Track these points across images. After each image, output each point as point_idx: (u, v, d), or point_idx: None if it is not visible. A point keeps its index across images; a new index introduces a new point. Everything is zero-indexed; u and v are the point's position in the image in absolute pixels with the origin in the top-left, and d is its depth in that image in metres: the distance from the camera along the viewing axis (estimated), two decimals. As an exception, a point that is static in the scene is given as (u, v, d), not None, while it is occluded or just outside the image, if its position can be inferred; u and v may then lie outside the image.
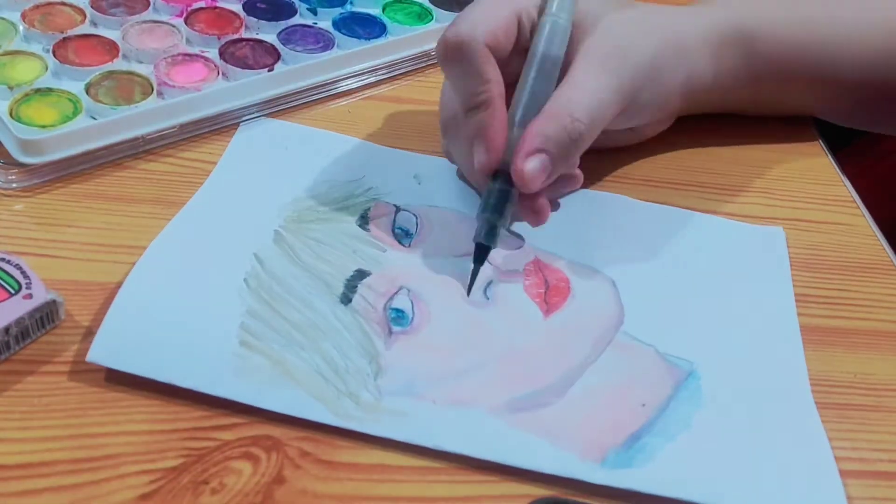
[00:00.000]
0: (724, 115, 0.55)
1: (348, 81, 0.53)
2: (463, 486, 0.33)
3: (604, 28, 0.43)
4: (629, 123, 0.47)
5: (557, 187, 0.43)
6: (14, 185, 0.43)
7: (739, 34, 0.49)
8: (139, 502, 0.31)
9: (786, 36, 0.50)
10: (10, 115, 0.45)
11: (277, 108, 0.51)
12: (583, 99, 0.41)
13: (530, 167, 0.39)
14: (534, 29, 0.42)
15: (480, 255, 0.40)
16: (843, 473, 0.35)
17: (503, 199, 0.40)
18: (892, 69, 0.51)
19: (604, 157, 0.50)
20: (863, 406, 0.38)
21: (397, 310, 0.39)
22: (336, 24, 0.56)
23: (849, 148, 0.70)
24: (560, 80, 0.42)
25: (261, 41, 0.53)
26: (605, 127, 0.42)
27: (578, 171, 0.43)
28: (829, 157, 0.54)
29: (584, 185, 0.48)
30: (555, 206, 0.46)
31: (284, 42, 0.53)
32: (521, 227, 0.44)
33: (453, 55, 0.41)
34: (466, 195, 0.46)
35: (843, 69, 0.51)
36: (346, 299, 0.39)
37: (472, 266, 0.40)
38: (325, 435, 0.34)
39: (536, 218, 0.42)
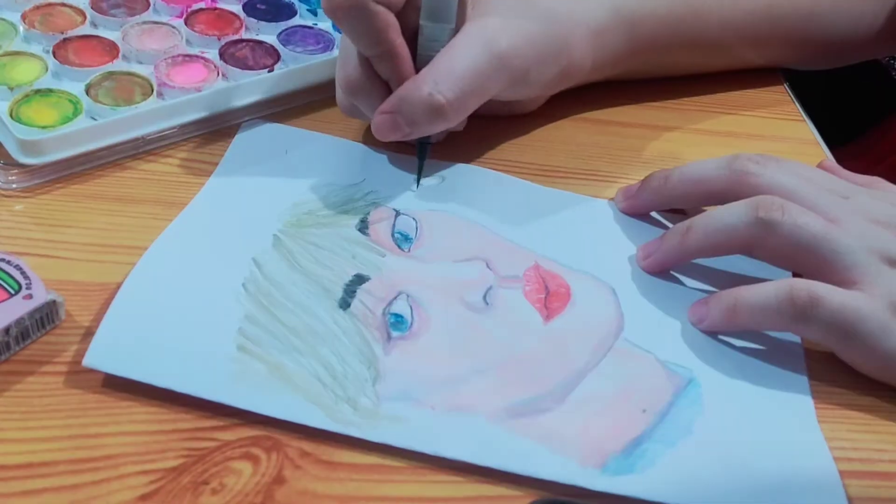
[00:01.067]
0: (716, 113, 0.56)
1: (348, 82, 0.53)
2: (462, 487, 0.33)
3: (494, 3, 0.45)
4: (512, 97, 0.49)
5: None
6: (14, 185, 0.43)
7: (620, 20, 0.50)
8: (139, 502, 0.31)
9: (664, 13, 0.52)
10: (11, 115, 0.45)
11: (277, 108, 0.51)
12: (451, 77, 0.42)
13: (377, 123, 0.44)
14: None
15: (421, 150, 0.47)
16: (844, 473, 0.35)
17: (424, 149, 0.47)
18: (775, 24, 0.55)
19: (610, 168, 0.49)
20: (863, 406, 0.38)
21: (396, 315, 0.39)
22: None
23: (848, 148, 0.70)
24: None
25: (261, 42, 0.53)
26: (481, 103, 0.44)
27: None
28: (829, 157, 0.54)
29: (587, 188, 0.49)
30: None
31: (284, 43, 0.53)
32: (524, 235, 0.44)
33: (345, 16, 0.41)
34: (468, 200, 0.46)
35: (723, 34, 0.55)
36: (344, 304, 0.39)
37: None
38: (325, 435, 0.34)
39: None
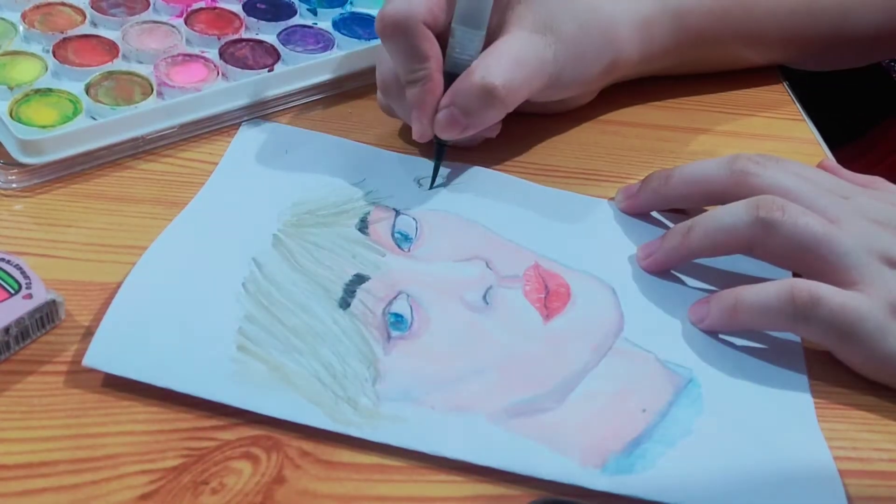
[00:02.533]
0: (716, 113, 0.56)
1: (348, 82, 0.53)
2: (462, 487, 0.33)
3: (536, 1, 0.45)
4: (552, 97, 0.49)
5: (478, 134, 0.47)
6: (14, 185, 0.43)
7: (667, 12, 0.51)
8: (139, 502, 0.31)
9: (711, 4, 0.53)
10: (10, 115, 0.45)
11: (277, 108, 0.51)
12: (500, 64, 0.43)
13: (437, 118, 0.45)
14: None
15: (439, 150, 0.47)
16: (843, 473, 0.35)
17: (441, 151, 0.47)
18: (815, 16, 0.56)
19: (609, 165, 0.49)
20: (863, 406, 0.38)
21: (396, 314, 0.39)
22: (336, 25, 0.56)
23: (848, 148, 0.70)
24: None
25: (261, 41, 0.53)
26: (527, 97, 0.45)
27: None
28: (829, 157, 0.54)
29: (587, 188, 0.49)
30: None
31: (284, 42, 0.53)
32: (524, 235, 0.44)
33: (392, 32, 0.43)
34: (468, 199, 0.46)
35: (765, 27, 0.55)
36: (344, 304, 0.39)
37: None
38: (325, 435, 0.34)
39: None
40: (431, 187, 0.46)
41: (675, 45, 0.52)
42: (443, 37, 0.44)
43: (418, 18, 0.42)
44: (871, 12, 0.57)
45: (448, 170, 0.48)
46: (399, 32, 0.43)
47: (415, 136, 0.46)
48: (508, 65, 0.43)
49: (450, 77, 0.44)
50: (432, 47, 0.43)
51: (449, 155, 0.48)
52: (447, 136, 0.45)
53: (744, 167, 0.42)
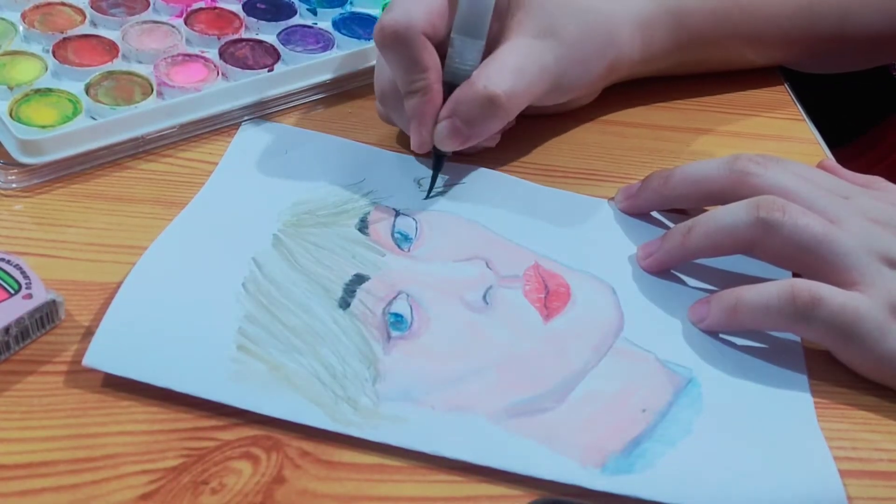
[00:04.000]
0: (717, 113, 0.56)
1: (348, 82, 0.53)
2: (462, 487, 0.33)
3: (535, 4, 0.45)
4: (555, 101, 0.49)
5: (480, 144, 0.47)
6: (14, 185, 0.43)
7: (668, 13, 0.51)
8: (139, 502, 0.31)
9: (713, 6, 0.53)
10: (10, 115, 0.45)
11: (277, 108, 0.51)
12: (502, 73, 0.43)
13: (438, 129, 0.44)
14: None
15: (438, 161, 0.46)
16: (843, 473, 0.35)
17: (440, 162, 0.47)
18: (815, 19, 0.56)
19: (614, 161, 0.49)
20: (863, 405, 0.38)
21: (396, 314, 0.39)
22: (336, 25, 0.56)
23: (848, 147, 0.70)
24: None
25: (260, 41, 0.53)
26: (530, 103, 0.46)
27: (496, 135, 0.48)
28: (829, 157, 0.54)
29: (587, 188, 0.49)
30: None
31: (284, 42, 0.53)
32: (524, 235, 0.44)
33: (391, 43, 0.43)
34: (468, 199, 0.46)
35: (765, 28, 0.55)
36: (344, 304, 0.39)
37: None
38: (325, 435, 0.34)
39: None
40: (428, 197, 0.46)
41: (676, 45, 0.52)
42: (442, 47, 0.44)
43: (418, 29, 0.42)
44: (871, 15, 0.57)
45: (447, 170, 0.48)
46: (399, 43, 0.42)
47: (413, 147, 0.46)
48: (510, 73, 0.43)
49: (449, 87, 0.44)
50: (431, 58, 0.43)
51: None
52: (448, 147, 0.45)
53: (744, 167, 0.42)
